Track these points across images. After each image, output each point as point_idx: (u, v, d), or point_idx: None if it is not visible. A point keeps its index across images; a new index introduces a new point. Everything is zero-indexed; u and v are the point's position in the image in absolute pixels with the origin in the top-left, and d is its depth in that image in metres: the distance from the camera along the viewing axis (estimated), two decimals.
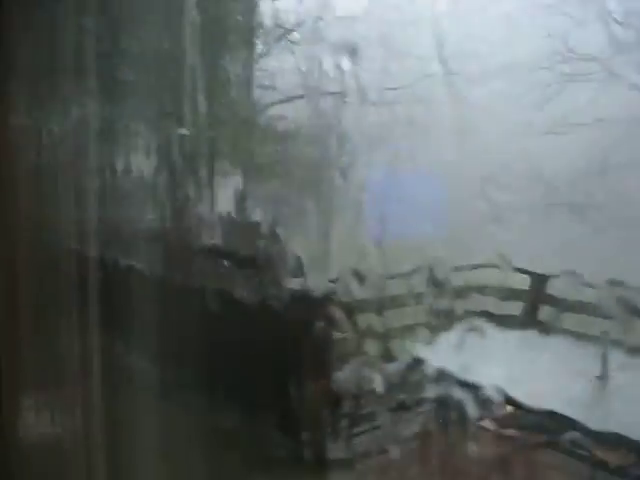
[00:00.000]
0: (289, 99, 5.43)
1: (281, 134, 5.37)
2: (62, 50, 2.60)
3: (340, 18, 6.71)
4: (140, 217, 4.94)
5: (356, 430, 3.23)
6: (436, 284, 4.77)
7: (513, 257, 4.92)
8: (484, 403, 4.02)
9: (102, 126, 4.30)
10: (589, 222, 5.39)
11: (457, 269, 4.88)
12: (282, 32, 5.15)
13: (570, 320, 4.45)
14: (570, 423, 3.17)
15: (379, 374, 3.90)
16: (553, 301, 4.73)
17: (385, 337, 4.05)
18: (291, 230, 5.33)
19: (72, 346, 2.68)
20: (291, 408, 3.87)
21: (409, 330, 4.37)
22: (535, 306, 4.87)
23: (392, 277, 4.36)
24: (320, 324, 3.41)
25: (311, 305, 3.72)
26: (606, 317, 3.96)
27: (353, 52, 6.80)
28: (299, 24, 5.07)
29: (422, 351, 3.81)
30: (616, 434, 2.99)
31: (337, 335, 3.85)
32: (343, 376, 3.41)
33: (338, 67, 6.60)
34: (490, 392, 3.61)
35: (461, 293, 4.92)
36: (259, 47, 5.37)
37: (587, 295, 4.47)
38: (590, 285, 4.51)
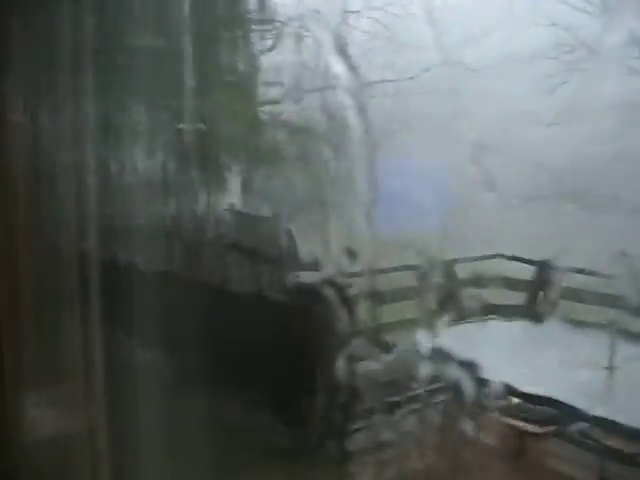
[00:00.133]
0: (294, 93, 5.41)
1: (286, 128, 5.36)
2: (59, 46, 2.59)
3: (342, 11, 6.70)
4: (145, 212, 4.94)
5: (359, 421, 3.23)
6: (440, 276, 4.76)
7: (517, 247, 4.91)
8: (489, 394, 4.01)
9: (104, 122, 4.29)
10: (594, 211, 5.36)
11: (460, 260, 4.86)
12: (285, 26, 5.14)
13: (574, 309, 4.43)
14: (578, 413, 3.15)
15: (382, 365, 3.90)
16: (557, 290, 4.71)
17: (388, 328, 4.04)
18: (299, 224, 5.33)
19: (77, 341, 2.67)
20: (294, 399, 3.87)
21: (412, 322, 4.36)
22: (539, 296, 4.85)
23: (394, 269, 4.35)
24: (324, 316, 3.40)
25: (316, 297, 3.72)
26: (611, 305, 3.94)
27: (355, 45, 6.78)
28: (300, 17, 5.06)
29: (425, 342, 3.79)
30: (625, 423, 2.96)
31: (340, 327, 3.85)
32: (346, 367, 3.39)
33: (342, 60, 6.59)
34: (495, 383, 3.60)
35: (464, 284, 4.90)
36: (263, 41, 5.36)
37: (591, 284, 4.45)
38: (594, 274, 4.48)
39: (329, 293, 3.32)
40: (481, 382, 3.49)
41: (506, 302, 4.98)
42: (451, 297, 4.74)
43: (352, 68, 6.65)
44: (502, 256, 4.90)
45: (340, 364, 3.11)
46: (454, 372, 3.50)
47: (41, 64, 2.82)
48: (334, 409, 3.40)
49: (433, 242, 4.93)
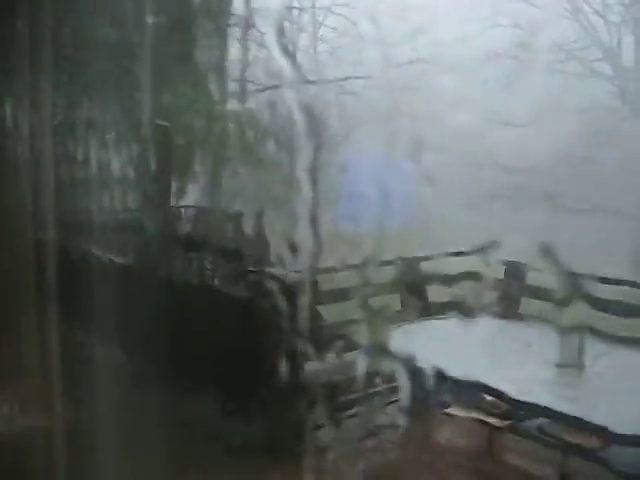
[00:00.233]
0: (263, 89, 5.40)
1: (257, 124, 5.35)
2: (18, 41, 2.55)
3: (313, 8, 6.71)
4: (114, 208, 4.91)
5: (323, 420, 3.22)
6: (407, 273, 4.77)
7: (487, 246, 4.94)
8: (455, 391, 4.03)
9: (72, 118, 4.25)
10: (559, 209, 5.43)
11: (429, 258, 4.88)
12: (253, 22, 5.13)
13: (543, 307, 4.47)
14: (540, 409, 3.18)
15: (346, 363, 3.89)
16: (527, 289, 4.75)
17: (354, 326, 4.03)
18: (269, 219, 5.32)
19: (40, 339, 2.63)
20: (246, 396, 3.87)
21: (378, 319, 4.36)
22: (509, 294, 4.88)
23: (360, 266, 4.34)
24: (273, 312, 3.39)
25: (265, 293, 3.71)
26: (578, 303, 3.99)
27: (326, 42, 6.80)
28: (270, 13, 5.04)
29: (390, 340, 3.79)
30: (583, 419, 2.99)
31: (307, 323, 3.83)
32: (310, 365, 3.39)
33: (312, 56, 6.60)
34: (461, 380, 3.62)
35: (433, 282, 4.93)
36: (232, 37, 5.34)
37: (559, 282, 4.49)
38: (561, 272, 4.53)
39: (277, 289, 3.31)
40: (440, 378, 3.51)
41: (470, 299, 5.02)
42: (412, 294, 4.77)
43: (323, 64, 6.65)
44: (464, 253, 4.93)
45: (291, 362, 3.11)
46: (413, 369, 3.51)
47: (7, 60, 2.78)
48: (287, 407, 3.39)
49: (399, 239, 4.95)
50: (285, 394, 3.43)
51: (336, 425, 3.64)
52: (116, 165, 4.59)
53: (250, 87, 5.57)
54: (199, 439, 3.68)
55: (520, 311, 4.77)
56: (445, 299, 4.88)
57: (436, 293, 4.91)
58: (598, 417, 2.98)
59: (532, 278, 4.76)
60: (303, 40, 6.22)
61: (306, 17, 6.45)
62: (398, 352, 3.66)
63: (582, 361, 3.49)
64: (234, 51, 5.30)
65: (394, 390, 4.05)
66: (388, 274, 4.73)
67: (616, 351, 3.72)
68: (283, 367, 3.19)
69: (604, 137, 6.01)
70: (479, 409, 3.68)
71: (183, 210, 5.53)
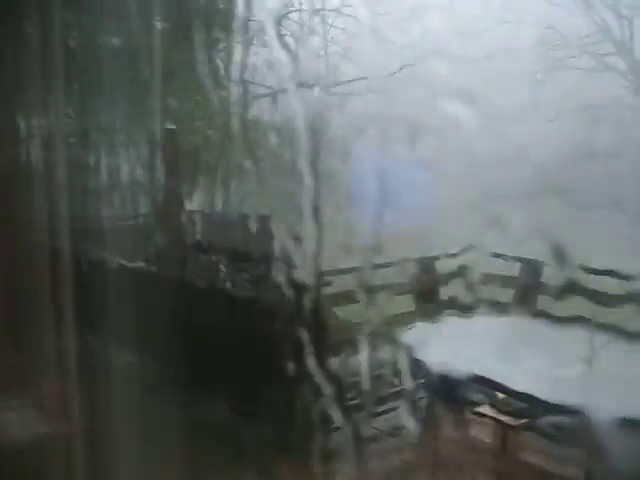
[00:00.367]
0: (272, 92, 5.42)
1: (265, 127, 5.36)
2: (29, 49, 2.58)
3: (322, 10, 6.72)
4: (126, 213, 4.95)
5: (334, 420, 3.23)
6: (424, 272, 4.78)
7: (502, 243, 4.92)
8: (472, 389, 4.02)
9: (83, 124, 4.29)
10: (577, 206, 5.39)
11: (445, 256, 4.87)
12: (262, 25, 5.13)
13: (561, 305, 4.45)
14: (555, 406, 3.17)
15: (364, 363, 3.89)
16: (543, 287, 4.73)
17: (371, 326, 4.04)
18: (280, 223, 5.32)
19: (55, 344, 2.66)
20: (280, 398, 3.88)
21: (396, 319, 4.37)
22: (526, 292, 4.86)
23: (379, 266, 4.34)
24: (305, 314, 3.40)
25: (298, 297, 3.71)
26: (595, 301, 3.98)
27: (338, 43, 6.80)
28: (281, 16, 5.06)
29: (408, 339, 3.80)
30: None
31: (323, 325, 3.85)
32: (327, 366, 3.39)
33: (322, 59, 6.60)
34: (479, 379, 3.61)
35: (449, 280, 4.92)
36: (240, 41, 5.36)
37: (577, 279, 4.46)
38: (580, 268, 4.50)
39: (292, 291, 3.32)
40: (460, 377, 3.50)
41: (492, 298, 5.01)
42: (430, 293, 4.77)
43: (334, 66, 6.66)
44: (482, 252, 4.91)
45: (313, 361, 3.11)
46: (432, 368, 3.51)
47: (11, 68, 2.81)
48: (309, 408, 3.40)
49: (415, 238, 4.95)
50: (303, 395, 3.45)
51: (354, 425, 3.66)
52: (128, 171, 4.63)
53: (260, 91, 5.59)
54: (222, 442, 3.70)
55: (537, 308, 4.75)
56: (459, 298, 4.87)
57: (450, 292, 4.90)
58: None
59: (548, 275, 4.74)
60: (313, 42, 6.25)
61: (316, 19, 6.48)
62: (414, 351, 3.67)
63: (603, 359, 3.48)
64: (244, 55, 5.32)
65: (410, 390, 4.07)
66: (402, 273, 4.74)
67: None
68: (300, 368, 3.20)
69: (618, 132, 5.97)
70: (493, 407, 3.67)
71: (195, 214, 5.57)
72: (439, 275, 4.87)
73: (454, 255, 4.82)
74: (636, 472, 2.87)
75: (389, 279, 4.46)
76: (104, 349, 3.38)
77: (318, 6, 6.36)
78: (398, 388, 4.12)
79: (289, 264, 4.08)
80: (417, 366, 3.71)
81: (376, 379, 4.20)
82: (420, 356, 3.62)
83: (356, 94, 5.80)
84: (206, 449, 3.51)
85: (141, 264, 4.57)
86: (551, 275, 4.65)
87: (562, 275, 4.44)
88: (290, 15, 5.84)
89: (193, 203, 5.73)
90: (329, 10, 6.59)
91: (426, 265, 4.82)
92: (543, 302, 4.77)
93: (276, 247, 4.97)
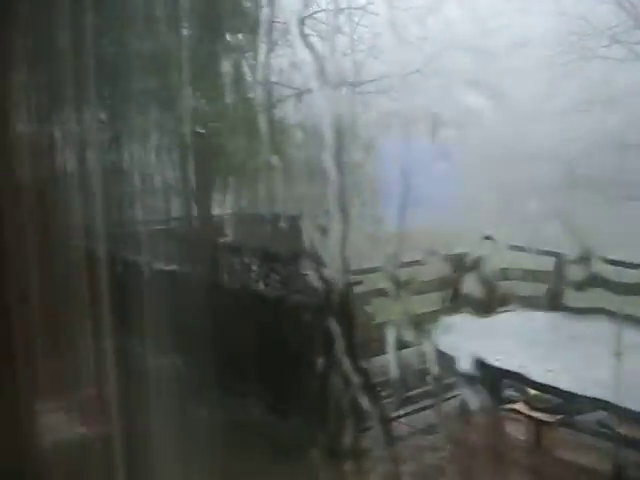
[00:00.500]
0: (299, 93, 5.44)
1: (293, 128, 5.38)
2: (61, 51, 2.63)
3: (348, 9, 6.71)
4: (158, 217, 5.00)
5: (371, 418, 3.23)
6: (452, 268, 4.76)
7: (536, 239, 4.89)
8: (505, 386, 4.01)
9: (112, 127, 4.36)
10: (608, 199, 5.33)
11: (471, 251, 4.84)
12: (287, 26, 5.15)
13: (587, 297, 4.41)
14: (593, 403, 3.14)
15: (396, 361, 3.90)
16: (577, 281, 4.68)
17: (402, 324, 4.04)
18: (309, 222, 5.34)
19: (90, 347, 2.71)
20: (314, 397, 3.90)
21: (427, 316, 4.36)
22: (559, 287, 4.82)
23: (407, 264, 4.34)
24: (337, 314, 3.41)
25: (329, 296, 3.73)
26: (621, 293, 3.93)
27: (365, 41, 6.79)
28: (306, 16, 5.07)
29: (445, 336, 3.79)
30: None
31: (355, 324, 3.86)
32: (361, 364, 3.40)
33: (349, 57, 6.60)
34: (511, 375, 3.59)
35: (484, 277, 4.89)
36: (266, 42, 5.38)
37: (608, 273, 4.42)
38: (612, 263, 4.46)
39: (324, 291, 3.34)
40: (494, 373, 3.49)
41: (526, 294, 4.98)
42: (459, 289, 4.75)
43: (361, 64, 6.65)
44: (515, 247, 4.88)
45: (347, 361, 3.12)
46: (467, 365, 3.50)
47: (43, 70, 2.87)
48: (346, 407, 3.42)
49: (448, 235, 4.93)
50: (337, 393, 3.46)
51: (387, 422, 3.67)
52: (159, 175, 4.69)
53: (287, 92, 5.61)
54: (261, 442, 3.74)
55: (565, 303, 4.71)
56: (488, 293, 4.85)
57: (478, 287, 4.87)
58: None
59: (575, 269, 4.69)
60: (339, 41, 6.24)
61: (342, 18, 6.48)
62: (445, 348, 3.67)
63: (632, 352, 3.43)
64: (270, 56, 5.35)
65: (442, 387, 4.06)
66: (434, 270, 4.73)
67: None
68: (334, 367, 3.22)
69: None
70: (527, 404, 3.65)
71: (225, 216, 5.61)
72: (467, 270, 4.85)
73: (479, 250, 4.80)
74: None
75: (418, 276, 4.46)
76: (141, 351, 3.44)
77: (344, 5, 6.37)
78: (431, 386, 4.12)
79: (319, 263, 4.10)
80: (449, 363, 3.71)
81: (409, 377, 4.21)
82: (452, 353, 3.62)
83: (382, 91, 5.79)
84: (245, 448, 3.55)
85: (174, 266, 4.62)
86: (578, 268, 4.62)
87: (588, 268, 4.41)
88: (316, 15, 5.85)
89: (224, 205, 5.77)
90: (355, 8, 6.59)
91: (454, 261, 4.81)
92: (570, 296, 4.73)
93: (306, 247, 4.99)
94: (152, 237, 4.32)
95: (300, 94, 5.29)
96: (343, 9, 6.39)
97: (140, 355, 3.42)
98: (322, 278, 3.65)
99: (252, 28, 5.13)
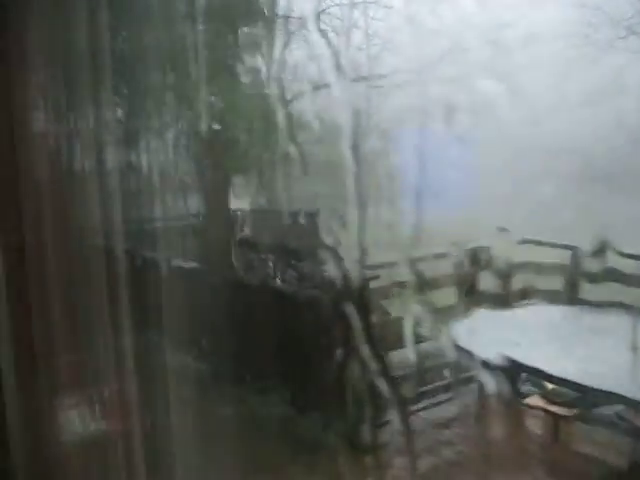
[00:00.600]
0: (315, 88, 5.43)
1: (309, 123, 5.38)
2: (77, 47, 2.64)
3: (362, 3, 6.70)
4: (175, 213, 5.03)
5: (400, 412, 3.24)
6: (475, 263, 4.75)
7: (552, 232, 4.87)
8: (522, 380, 4.00)
9: (126, 123, 4.38)
10: (625, 192, 5.29)
11: (488, 245, 4.83)
12: (301, 21, 5.15)
13: (610, 292, 4.39)
14: (610, 396, 3.13)
15: (415, 355, 3.90)
16: (593, 274, 4.65)
17: (425, 318, 4.05)
18: (325, 218, 5.36)
19: (110, 343, 2.73)
20: (333, 391, 3.91)
21: (449, 310, 4.36)
22: (576, 280, 4.80)
23: (424, 259, 4.33)
24: (355, 309, 3.42)
25: (347, 291, 3.73)
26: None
27: (379, 35, 6.78)
28: (321, 11, 5.07)
29: (461, 330, 3.79)
30: None
31: (373, 319, 3.86)
32: (378, 360, 3.41)
33: (364, 52, 6.59)
34: (529, 369, 3.59)
35: (501, 271, 4.88)
36: (280, 38, 5.39)
37: (625, 266, 4.40)
38: (629, 256, 4.44)
39: (341, 286, 3.34)
40: (511, 367, 3.48)
41: (543, 287, 4.96)
42: (476, 283, 4.74)
43: (376, 59, 6.64)
44: (530, 241, 4.87)
45: (367, 354, 3.12)
46: (483, 359, 3.50)
47: (59, 67, 2.89)
48: (367, 400, 3.43)
49: (464, 228, 4.92)
50: (357, 388, 3.47)
51: (406, 416, 3.67)
52: (175, 171, 4.70)
53: (302, 86, 5.61)
54: (283, 436, 3.76)
55: (582, 296, 4.69)
56: (505, 287, 4.85)
57: (495, 281, 4.87)
58: None
59: (592, 263, 4.67)
60: (354, 36, 6.25)
61: (356, 12, 6.48)
62: (464, 342, 3.67)
63: None
64: (284, 51, 5.35)
65: (461, 380, 4.07)
66: (451, 264, 4.73)
67: None
68: (352, 362, 3.23)
69: None
70: (544, 398, 3.64)
71: (242, 212, 5.64)
72: (483, 264, 4.84)
73: (495, 243, 4.78)
74: None
75: (435, 269, 4.46)
76: (159, 347, 3.47)
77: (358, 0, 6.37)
78: (448, 380, 4.13)
79: (336, 259, 4.11)
80: (466, 357, 3.71)
81: (427, 370, 4.22)
82: (469, 347, 3.62)
83: (398, 84, 5.79)
84: (268, 443, 3.57)
85: (192, 263, 4.65)
86: (595, 262, 4.59)
87: (605, 261, 4.39)
88: (330, 10, 5.85)
89: (240, 201, 5.79)
90: (369, 2, 6.58)
91: (471, 254, 4.80)
92: (587, 289, 4.71)
93: (323, 243, 5.01)
94: (170, 234, 4.34)
95: (317, 88, 5.29)
96: (357, 3, 6.39)
97: (160, 351, 3.44)
98: (339, 274, 3.66)
99: (268, 23, 5.14)
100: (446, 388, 4.12)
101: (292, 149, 4.63)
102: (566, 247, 4.76)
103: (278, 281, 4.97)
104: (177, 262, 4.17)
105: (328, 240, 5.03)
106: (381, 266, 4.13)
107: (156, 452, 2.51)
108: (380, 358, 3.39)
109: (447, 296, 4.65)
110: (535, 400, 3.73)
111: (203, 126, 4.15)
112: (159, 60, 3.41)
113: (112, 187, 2.86)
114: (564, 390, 3.49)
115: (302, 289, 4.61)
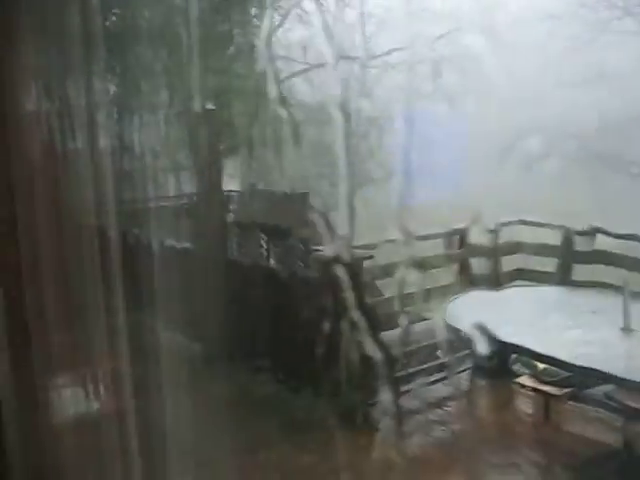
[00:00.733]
0: (308, 68, 5.41)
1: (301, 103, 5.37)
2: (68, 26, 2.62)
3: None
4: (169, 194, 5.02)
5: (393, 391, 3.27)
6: (468, 244, 4.76)
7: (544, 212, 4.87)
8: (514, 360, 4.03)
9: (119, 103, 4.35)
10: (621, 173, 5.30)
11: (482, 226, 4.84)
12: (295, 1, 5.13)
13: (601, 273, 4.41)
14: (600, 375, 3.15)
15: (408, 335, 3.93)
16: (585, 255, 4.66)
17: (417, 298, 4.07)
18: (319, 198, 5.36)
19: (103, 323, 2.73)
20: (326, 371, 3.94)
21: (441, 290, 4.38)
22: (568, 261, 4.81)
23: (423, 238, 4.34)
24: (348, 289, 3.44)
25: (340, 271, 3.75)
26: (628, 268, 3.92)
27: (375, 16, 6.73)
28: None
29: (454, 310, 3.81)
30: None
31: (366, 299, 3.88)
32: (371, 339, 3.44)
33: (359, 32, 6.55)
34: (521, 349, 3.61)
35: (493, 251, 4.90)
36: (275, 17, 5.36)
37: (618, 247, 4.42)
38: (621, 237, 4.46)
39: (335, 266, 3.35)
40: (502, 347, 3.51)
41: (536, 268, 4.98)
42: (469, 265, 4.76)
43: (372, 39, 6.59)
44: (523, 222, 4.88)
45: (362, 334, 3.15)
46: (475, 339, 3.52)
47: (50, 47, 2.87)
48: (360, 379, 3.45)
49: (457, 209, 4.92)
50: (350, 367, 3.49)
51: (399, 396, 3.71)
52: (169, 151, 4.69)
53: (296, 67, 5.59)
54: (278, 413, 3.78)
55: (573, 277, 4.70)
56: (498, 268, 4.87)
57: (489, 262, 4.88)
58: None
59: (583, 243, 4.68)
60: (349, 16, 6.18)
61: None
62: (457, 322, 3.69)
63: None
64: (279, 31, 5.32)
65: (452, 361, 4.09)
66: (442, 245, 4.74)
67: None
68: (345, 341, 3.25)
69: None
70: (535, 377, 3.67)
71: (236, 193, 5.62)
72: (476, 246, 4.85)
73: (486, 224, 4.79)
74: None
75: (426, 251, 4.47)
76: (153, 327, 3.48)
77: None
78: (440, 359, 4.15)
79: (329, 238, 4.12)
80: (458, 337, 3.73)
81: (419, 350, 4.24)
82: (461, 327, 3.64)
83: (393, 66, 5.76)
84: (263, 420, 3.59)
85: (185, 243, 4.65)
86: (586, 242, 4.61)
87: (594, 242, 4.41)
88: None
89: (234, 182, 5.78)
90: None
91: (461, 235, 4.80)
92: (578, 270, 4.72)
93: (315, 223, 5.01)
94: (163, 214, 4.33)
95: (309, 69, 5.27)
96: None
97: (153, 331, 3.45)
98: (332, 254, 3.67)
99: (261, 2, 5.10)
100: (438, 368, 4.15)
101: (285, 129, 4.62)
102: (558, 228, 4.77)
103: (271, 261, 4.98)
104: (170, 242, 4.17)
105: (320, 220, 5.04)
106: (375, 246, 4.14)
107: (149, 431, 2.53)
108: (373, 337, 3.42)
109: (440, 277, 4.68)
110: (526, 380, 3.76)
111: (196, 105, 4.13)
112: (152, 38, 3.38)
113: (104, 167, 2.85)
114: (554, 369, 3.52)
115: (295, 269, 4.62)
